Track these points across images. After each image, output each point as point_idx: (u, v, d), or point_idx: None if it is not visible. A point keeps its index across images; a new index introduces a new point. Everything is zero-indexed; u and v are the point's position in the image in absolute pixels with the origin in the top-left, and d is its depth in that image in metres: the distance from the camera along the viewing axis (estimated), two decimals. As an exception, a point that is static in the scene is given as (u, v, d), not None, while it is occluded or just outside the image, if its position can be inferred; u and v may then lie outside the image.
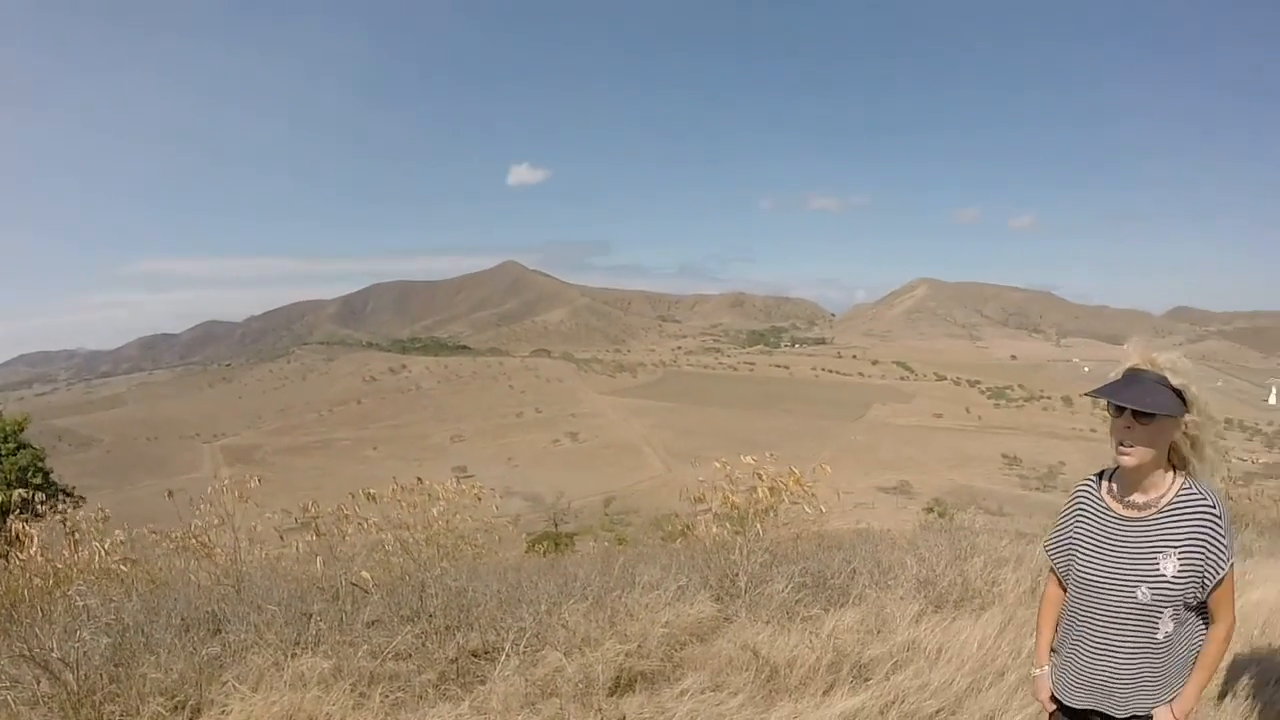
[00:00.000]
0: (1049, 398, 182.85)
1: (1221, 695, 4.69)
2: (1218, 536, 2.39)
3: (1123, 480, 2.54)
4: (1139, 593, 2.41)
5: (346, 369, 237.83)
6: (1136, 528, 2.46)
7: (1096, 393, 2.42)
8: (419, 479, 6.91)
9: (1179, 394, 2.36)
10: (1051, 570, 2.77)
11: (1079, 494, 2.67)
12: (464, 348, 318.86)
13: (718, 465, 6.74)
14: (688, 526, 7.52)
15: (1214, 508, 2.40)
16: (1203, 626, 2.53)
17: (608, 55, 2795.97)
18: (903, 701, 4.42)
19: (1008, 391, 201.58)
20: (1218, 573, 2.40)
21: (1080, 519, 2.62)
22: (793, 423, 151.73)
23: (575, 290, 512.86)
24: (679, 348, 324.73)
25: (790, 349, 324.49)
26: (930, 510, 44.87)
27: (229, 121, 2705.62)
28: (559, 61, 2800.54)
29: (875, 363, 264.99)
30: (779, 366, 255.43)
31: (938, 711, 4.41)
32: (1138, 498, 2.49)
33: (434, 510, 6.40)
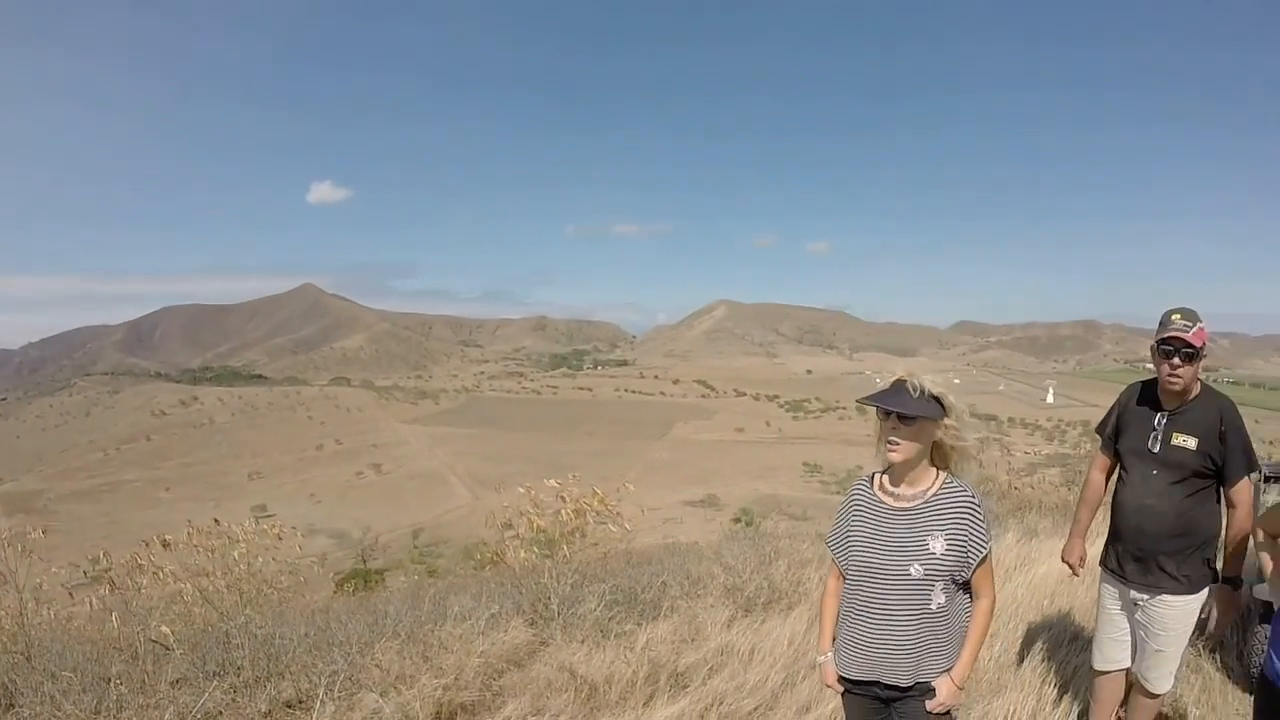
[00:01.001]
0: (844, 408, 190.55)
1: (1020, 659, 5.15)
2: (977, 523, 2.82)
3: (892, 475, 2.92)
4: (912, 569, 2.78)
5: (134, 402, 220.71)
6: (906, 516, 2.85)
7: (867, 399, 2.82)
8: (216, 521, 6.67)
9: (938, 402, 2.77)
10: (833, 563, 3.09)
11: (854, 492, 3.05)
12: (259, 377, 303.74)
13: (522, 490, 6.78)
14: (497, 554, 7.46)
15: (973, 499, 2.85)
16: (969, 601, 2.92)
17: (416, 77, 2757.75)
18: (721, 703, 4.61)
19: (805, 404, 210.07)
20: (979, 553, 2.81)
21: (856, 513, 2.98)
22: (598, 444, 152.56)
23: (375, 315, 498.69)
24: (482, 373, 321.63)
25: (593, 371, 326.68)
26: (737, 520, 45.75)
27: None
28: (366, 80, 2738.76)
29: (676, 382, 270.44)
30: (582, 389, 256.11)
31: (755, 709, 4.61)
32: (905, 490, 2.88)
33: (234, 554, 6.17)
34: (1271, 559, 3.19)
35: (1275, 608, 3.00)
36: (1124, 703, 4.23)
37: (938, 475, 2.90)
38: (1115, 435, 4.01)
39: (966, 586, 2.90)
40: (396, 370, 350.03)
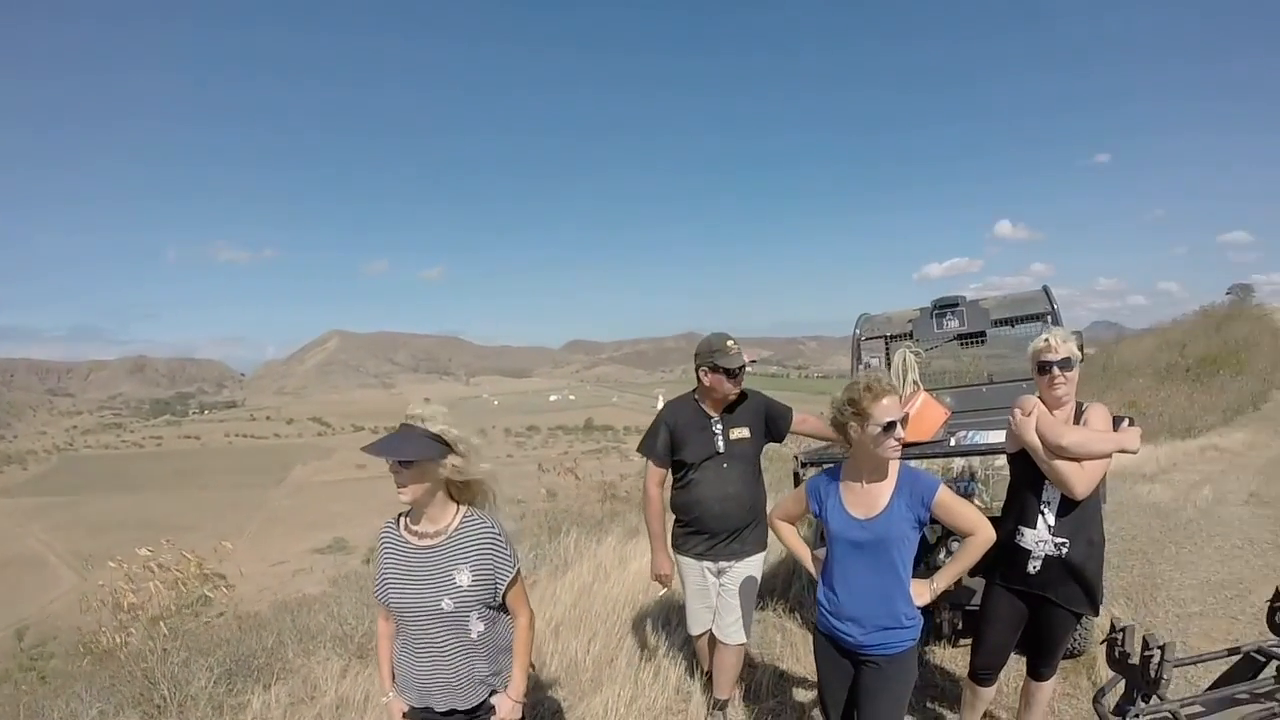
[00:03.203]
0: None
1: (619, 653, 5.66)
2: (500, 550, 3.00)
3: (413, 515, 3.03)
4: (444, 603, 2.90)
5: None
6: (432, 553, 2.95)
7: (369, 448, 2.84)
8: None
9: (441, 440, 2.90)
10: (382, 606, 3.14)
11: (384, 535, 3.10)
12: None
13: (113, 565, 6.38)
14: (96, 642, 6.93)
15: (493, 528, 3.01)
16: (510, 620, 3.13)
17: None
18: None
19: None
20: (506, 577, 3.01)
21: (387, 556, 3.05)
22: (214, 497, 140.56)
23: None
24: (75, 426, 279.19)
25: (200, 417, 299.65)
26: (367, 561, 44.34)
27: None
28: None
29: (290, 421, 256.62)
30: (189, 437, 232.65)
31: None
32: (428, 527, 2.99)
33: None
34: (794, 546, 3.85)
35: (815, 576, 3.62)
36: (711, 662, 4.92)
37: (458, 510, 3.02)
38: (671, 450, 4.67)
39: (504, 606, 3.08)
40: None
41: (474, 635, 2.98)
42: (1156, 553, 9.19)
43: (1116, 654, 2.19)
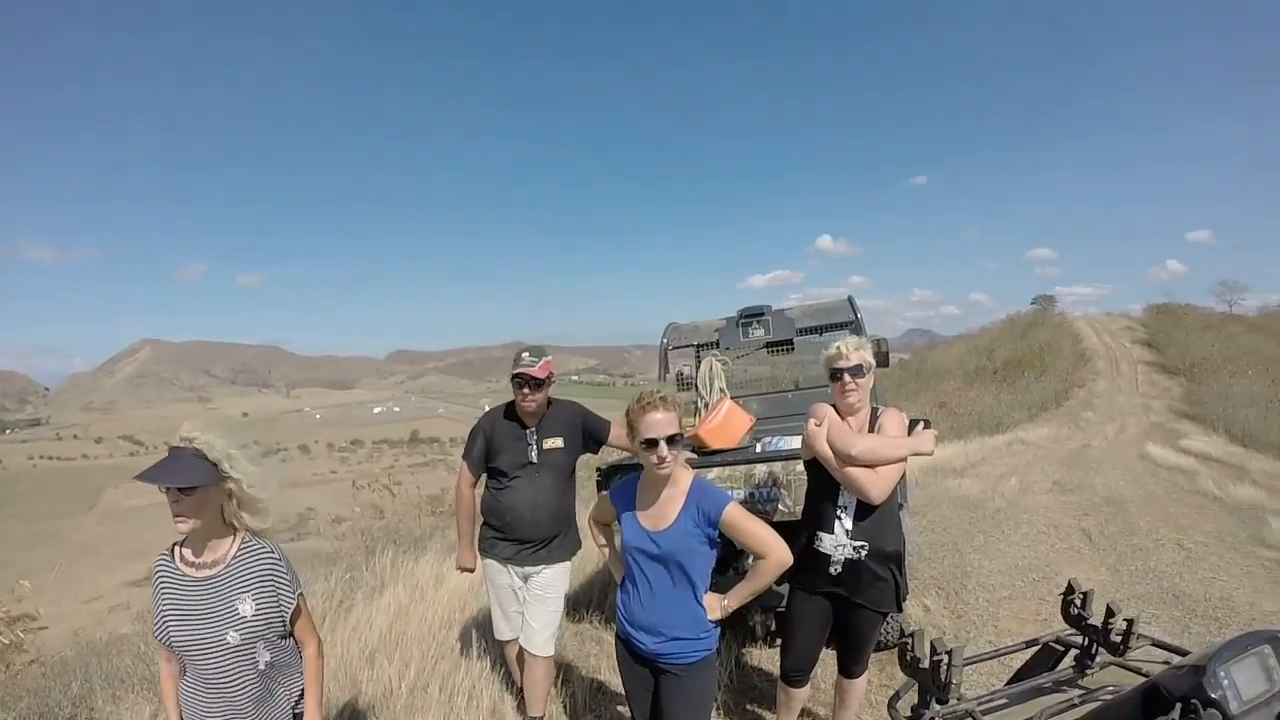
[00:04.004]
0: (286, 449, 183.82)
1: (434, 674, 5.40)
2: (282, 577, 2.84)
3: (191, 545, 2.80)
4: (229, 636, 2.71)
5: None
6: (212, 585, 2.74)
7: (141, 477, 2.58)
8: None
9: (217, 461, 2.69)
10: (164, 647, 2.88)
11: (158, 569, 2.84)
12: None
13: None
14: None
15: (273, 553, 2.85)
16: (298, 650, 2.98)
17: None
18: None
19: (244, 449, 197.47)
20: (290, 605, 2.85)
21: (164, 591, 2.80)
22: (18, 529, 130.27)
23: None
24: None
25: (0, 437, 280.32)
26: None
27: None
28: None
29: (100, 440, 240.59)
30: None
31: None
32: (207, 557, 2.78)
33: None
34: (604, 543, 3.84)
35: (617, 581, 3.55)
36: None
37: (235, 536, 2.84)
38: (486, 457, 4.70)
39: (292, 635, 2.94)
40: None
41: (263, 667, 2.80)
42: (966, 543, 9.60)
43: (908, 658, 2.14)
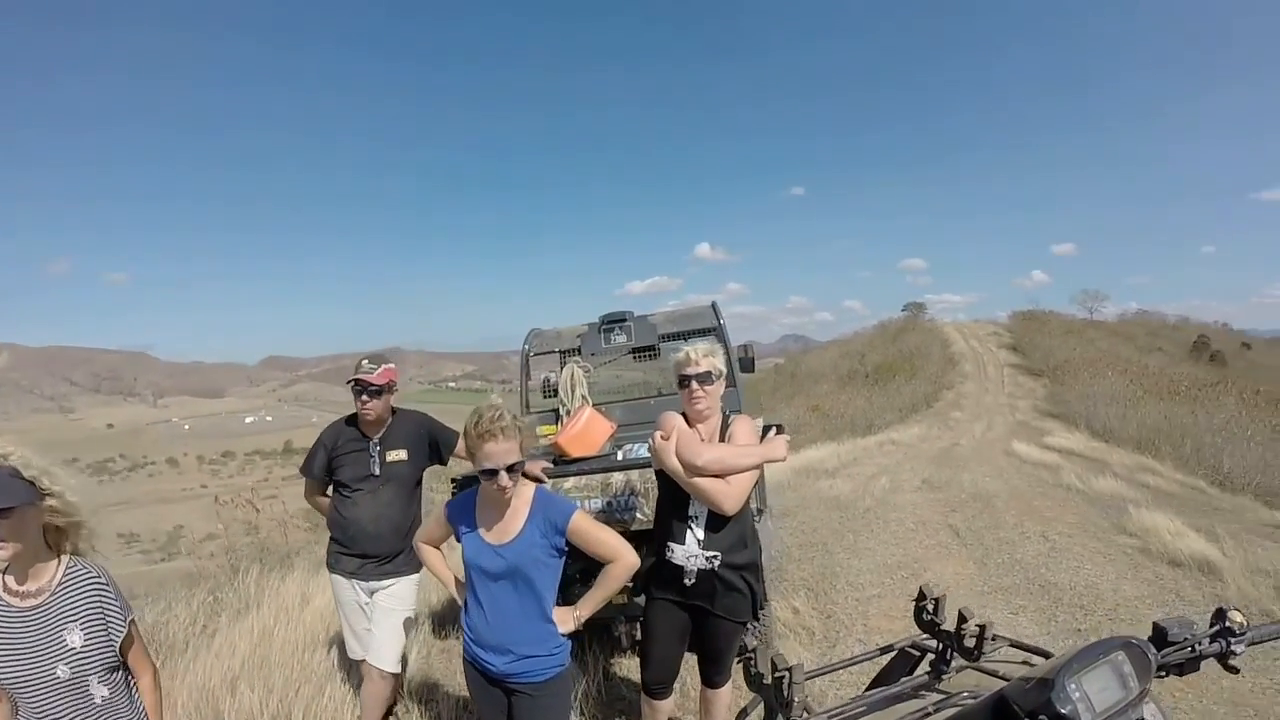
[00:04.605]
0: (154, 463, 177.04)
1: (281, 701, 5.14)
2: (111, 602, 2.62)
3: (15, 573, 2.54)
4: (59, 670, 2.47)
5: None
6: (38, 615, 2.50)
7: None
8: None
9: (34, 483, 2.46)
10: None
11: None
12: None
13: None
14: None
15: (100, 578, 2.62)
16: (134, 680, 2.76)
17: None
18: None
19: (109, 464, 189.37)
20: (121, 632, 2.63)
21: None
22: None
23: None
24: None
25: None
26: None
27: None
28: None
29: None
30: None
31: None
32: (30, 586, 2.53)
33: None
34: (438, 570, 3.70)
35: (460, 603, 3.43)
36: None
37: (60, 560, 2.60)
38: (329, 471, 4.64)
39: (126, 665, 2.71)
40: None
41: (98, 701, 2.57)
42: (836, 543, 9.68)
43: (752, 674, 1.99)
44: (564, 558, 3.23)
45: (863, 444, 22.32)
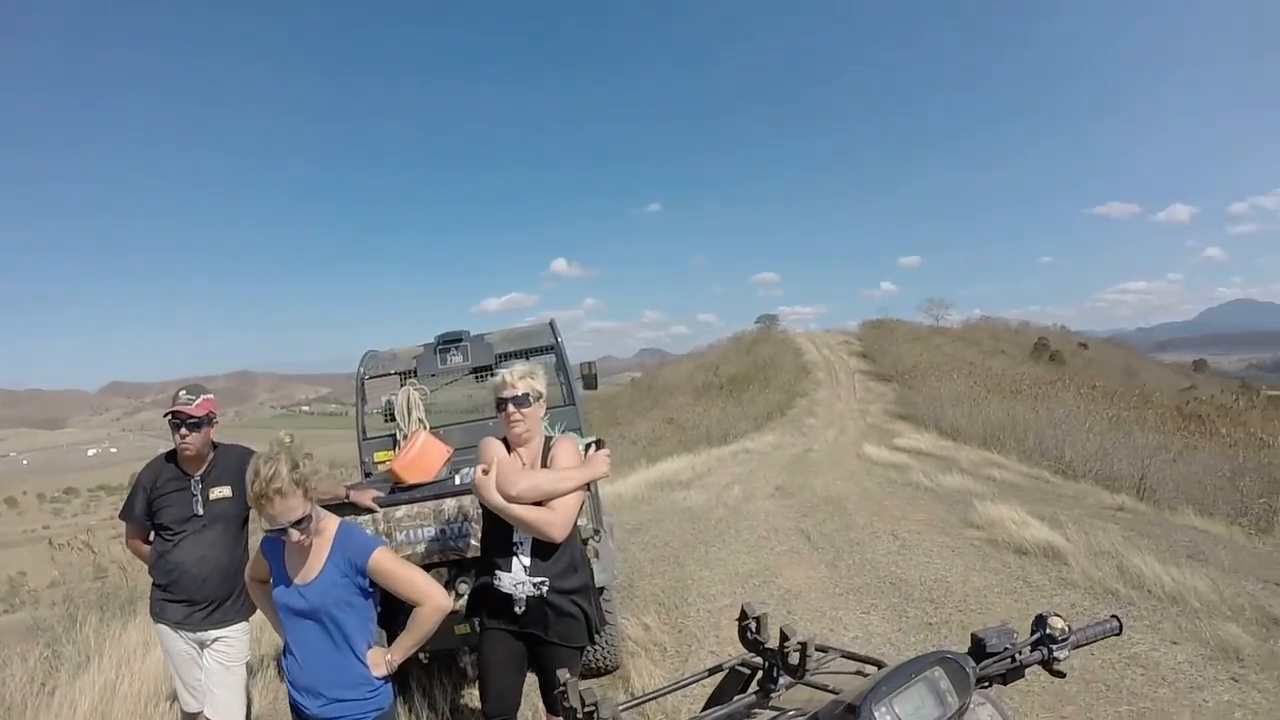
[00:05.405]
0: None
1: None
2: None
3: None
4: None
5: None
6: None
7: None
8: None
9: None
10: None
11: None
12: None
13: None
14: None
15: None
16: None
17: None
18: None
19: None
20: None
21: None
22: None
23: None
24: None
25: None
26: None
27: None
28: None
29: None
30: None
31: None
32: None
33: None
34: (264, 607, 3.50)
35: (284, 645, 3.25)
36: None
37: None
38: (149, 513, 4.33)
39: None
40: None
41: None
42: (688, 555, 9.63)
43: (565, 707, 1.85)
44: (373, 597, 3.13)
45: (718, 454, 22.59)
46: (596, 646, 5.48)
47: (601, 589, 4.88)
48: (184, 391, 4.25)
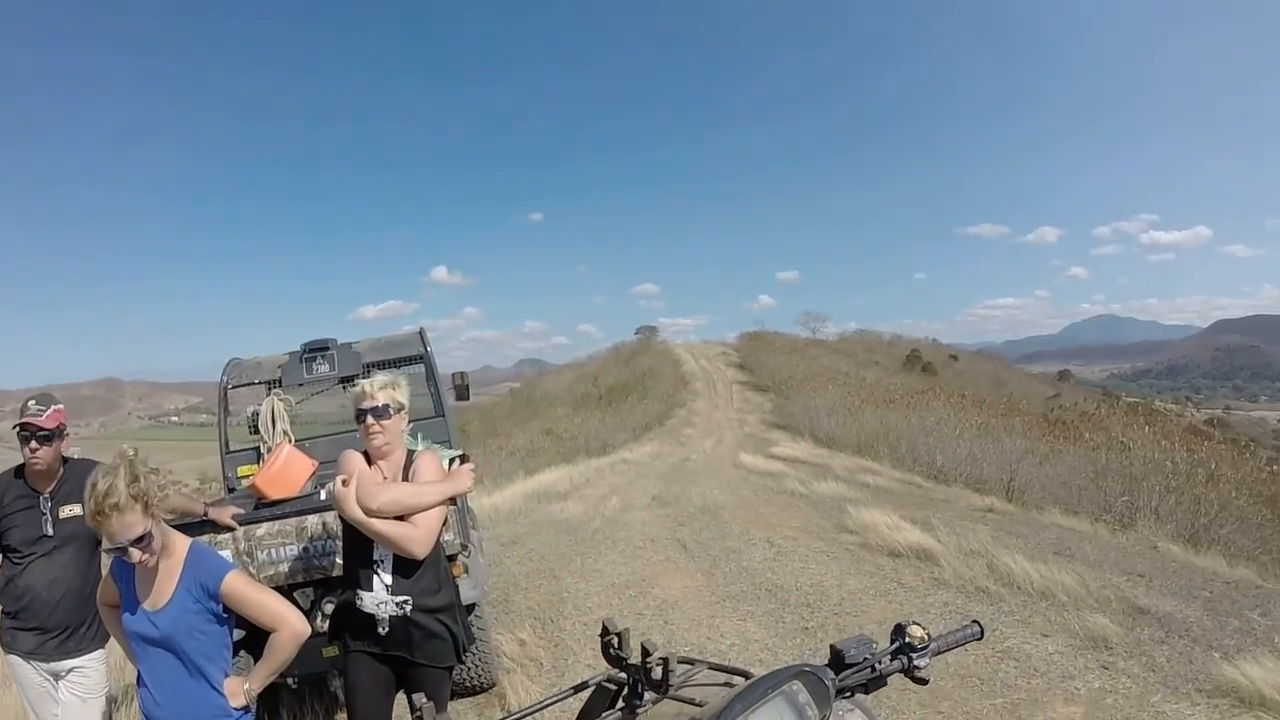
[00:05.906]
0: None
1: None
2: None
3: None
4: None
5: None
6: None
7: None
8: None
9: None
10: None
11: None
12: None
13: None
14: None
15: None
16: None
17: None
18: None
19: None
20: None
21: None
22: None
23: None
24: None
25: None
26: None
27: None
28: None
29: None
30: None
31: None
32: None
33: None
34: (115, 632, 3.26)
35: (138, 676, 3.05)
36: None
37: None
38: None
39: None
40: None
41: None
42: (564, 567, 9.55)
43: None
44: (228, 623, 2.98)
45: (596, 465, 22.58)
46: (467, 665, 5.37)
47: (471, 606, 4.78)
48: (33, 402, 3.96)
